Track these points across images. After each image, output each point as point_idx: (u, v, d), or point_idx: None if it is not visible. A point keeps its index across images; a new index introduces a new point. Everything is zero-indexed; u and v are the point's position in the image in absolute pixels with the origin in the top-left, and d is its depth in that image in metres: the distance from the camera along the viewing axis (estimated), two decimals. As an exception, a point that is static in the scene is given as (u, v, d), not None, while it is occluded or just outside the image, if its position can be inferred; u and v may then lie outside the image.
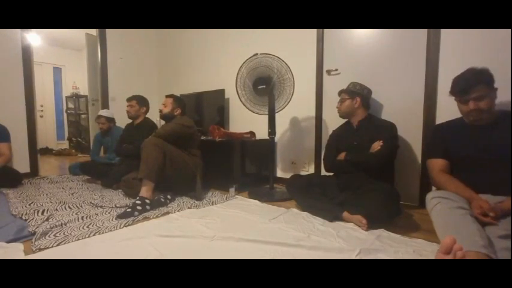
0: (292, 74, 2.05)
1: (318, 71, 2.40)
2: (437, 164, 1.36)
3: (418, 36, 1.88)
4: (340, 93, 1.89)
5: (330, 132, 2.01)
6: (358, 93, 1.81)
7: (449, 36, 1.77)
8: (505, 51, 1.55)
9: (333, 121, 2.24)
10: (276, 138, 2.64)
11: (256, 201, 2.01)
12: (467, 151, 1.27)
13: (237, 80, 2.17)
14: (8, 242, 1.27)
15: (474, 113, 1.22)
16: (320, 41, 2.37)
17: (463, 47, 1.72)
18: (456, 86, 1.26)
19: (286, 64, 2.04)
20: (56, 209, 1.77)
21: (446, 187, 1.25)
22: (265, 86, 2.07)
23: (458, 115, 1.39)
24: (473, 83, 1.19)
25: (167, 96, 2.30)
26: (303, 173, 2.48)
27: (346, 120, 1.91)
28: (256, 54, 2.08)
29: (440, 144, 1.37)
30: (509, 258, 0.91)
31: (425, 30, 1.84)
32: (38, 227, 1.43)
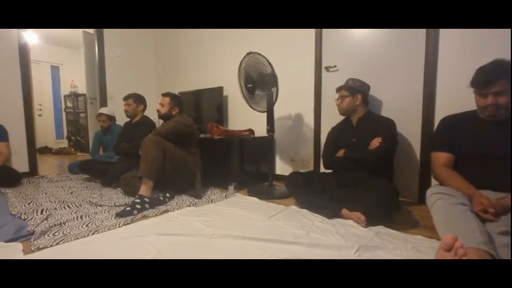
0: (274, 72, 2.01)
1: (317, 67, 2.38)
2: (441, 157, 1.32)
3: (417, 32, 1.87)
4: (339, 89, 1.86)
5: (329, 129, 1.99)
6: (358, 90, 1.79)
7: (448, 33, 1.75)
8: (505, 51, 1.53)
9: (331, 118, 2.23)
10: (275, 136, 2.64)
11: (256, 199, 2.00)
12: (475, 146, 1.24)
13: (238, 77, 2.16)
14: (7, 241, 1.27)
15: (491, 108, 1.17)
16: (319, 38, 2.35)
17: (462, 45, 1.71)
18: (478, 78, 1.19)
19: (269, 61, 2.00)
20: (55, 208, 1.77)
21: (448, 182, 1.23)
22: (252, 85, 2.04)
23: (458, 111, 1.38)
24: (496, 77, 1.13)
25: (163, 95, 2.24)
26: (302, 170, 2.47)
27: (344, 117, 1.90)
28: (250, 53, 2.05)
29: (446, 138, 1.33)
30: (509, 254, 0.91)
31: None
32: (37, 226, 1.43)
